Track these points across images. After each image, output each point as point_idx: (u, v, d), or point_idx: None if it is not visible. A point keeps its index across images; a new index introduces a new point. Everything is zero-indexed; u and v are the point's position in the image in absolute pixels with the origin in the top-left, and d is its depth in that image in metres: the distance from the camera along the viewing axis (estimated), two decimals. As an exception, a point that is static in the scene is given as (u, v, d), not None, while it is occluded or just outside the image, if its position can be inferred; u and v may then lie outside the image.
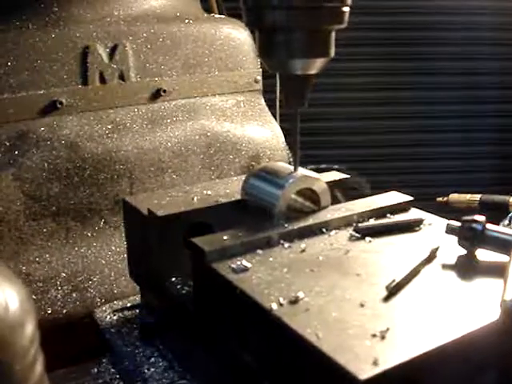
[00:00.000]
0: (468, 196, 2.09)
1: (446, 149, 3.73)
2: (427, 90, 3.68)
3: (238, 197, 1.12)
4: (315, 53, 1.01)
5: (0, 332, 0.57)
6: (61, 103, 1.64)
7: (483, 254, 0.94)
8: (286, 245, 0.97)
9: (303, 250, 0.95)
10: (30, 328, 0.61)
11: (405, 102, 3.68)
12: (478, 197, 2.07)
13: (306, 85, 1.04)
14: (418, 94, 3.68)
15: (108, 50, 1.71)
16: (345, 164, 3.59)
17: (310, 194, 1.07)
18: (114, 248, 1.66)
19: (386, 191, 1.17)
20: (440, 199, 2.16)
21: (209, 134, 1.80)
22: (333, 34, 1.02)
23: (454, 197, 2.13)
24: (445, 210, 2.19)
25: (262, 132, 1.90)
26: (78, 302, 1.56)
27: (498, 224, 1.86)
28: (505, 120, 3.74)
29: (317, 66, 1.02)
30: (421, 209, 1.13)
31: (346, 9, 1.00)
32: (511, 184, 3.53)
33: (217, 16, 2.14)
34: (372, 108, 3.65)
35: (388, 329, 0.72)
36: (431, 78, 3.67)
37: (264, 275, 0.86)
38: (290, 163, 2.05)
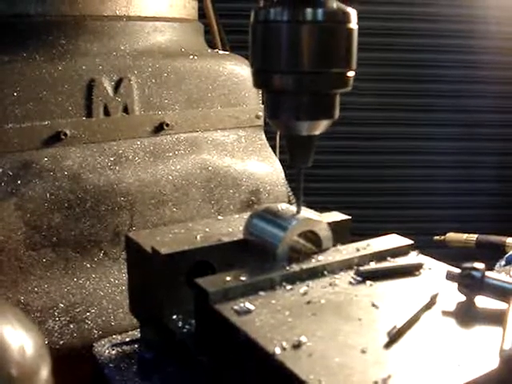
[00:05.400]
0: (465, 236, 2.11)
1: (446, 184, 3.76)
2: (426, 126, 3.73)
3: (241, 236, 1.14)
4: (321, 115, 1.04)
5: (16, 377, 0.58)
6: (65, 134, 1.65)
7: (482, 301, 0.96)
8: (288, 287, 0.98)
9: (305, 293, 0.96)
10: (44, 373, 0.62)
11: (404, 137, 3.72)
12: (474, 237, 2.09)
13: (311, 145, 1.08)
14: (417, 130, 3.72)
15: (113, 83, 1.73)
16: (340, 197, 3.63)
17: (311, 236, 1.09)
18: (112, 280, 1.66)
19: (385, 228, 1.19)
20: (437, 238, 2.18)
21: (210, 168, 1.82)
22: (337, 97, 1.06)
23: (450, 236, 2.15)
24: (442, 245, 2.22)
25: (263, 167, 1.92)
26: (75, 334, 1.56)
27: (495, 264, 1.88)
28: (505, 157, 3.78)
29: (321, 127, 1.06)
30: (420, 247, 1.15)
31: (351, 73, 1.03)
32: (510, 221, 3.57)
33: (221, 52, 2.17)
34: (370, 143, 3.69)
35: (389, 376, 0.73)
36: (431, 115, 3.71)
37: (267, 318, 0.87)
38: (289, 198, 2.08)
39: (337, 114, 1.06)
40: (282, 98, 1.04)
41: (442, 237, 2.17)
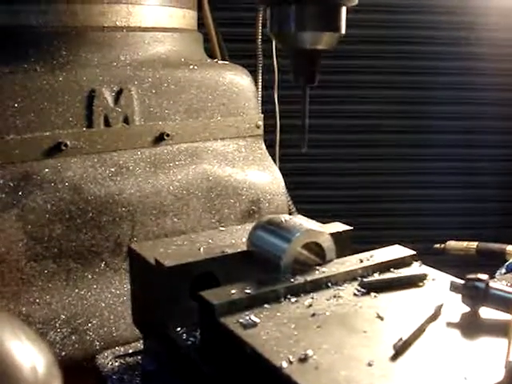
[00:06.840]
0: (465, 244, 2.11)
1: (447, 191, 3.75)
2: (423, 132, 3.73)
3: (244, 247, 1.14)
4: (324, 26, 1.02)
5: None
6: (65, 145, 1.66)
7: (486, 312, 0.96)
8: (293, 299, 0.98)
9: (310, 305, 0.96)
10: (56, 392, 0.62)
11: (404, 144, 3.72)
12: (474, 244, 2.09)
13: (315, 60, 1.05)
14: (418, 137, 3.72)
15: (113, 93, 1.74)
16: (338, 205, 3.63)
17: (315, 248, 1.09)
18: (113, 291, 1.66)
19: (385, 236, 1.19)
20: (437, 246, 2.19)
21: (210, 178, 1.82)
22: (343, 10, 1.03)
23: (450, 244, 2.15)
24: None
25: (263, 177, 1.93)
26: (76, 345, 1.56)
27: (495, 271, 1.88)
28: (506, 164, 3.77)
29: (326, 40, 1.03)
30: (420, 254, 1.15)
31: None
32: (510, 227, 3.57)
33: (220, 62, 2.18)
34: (368, 150, 3.69)
35: (396, 389, 0.74)
36: (432, 122, 3.72)
37: (272, 331, 0.87)
38: (289, 208, 2.08)
39: (342, 29, 1.03)
40: (284, 9, 1.02)
41: (442, 245, 2.17)
